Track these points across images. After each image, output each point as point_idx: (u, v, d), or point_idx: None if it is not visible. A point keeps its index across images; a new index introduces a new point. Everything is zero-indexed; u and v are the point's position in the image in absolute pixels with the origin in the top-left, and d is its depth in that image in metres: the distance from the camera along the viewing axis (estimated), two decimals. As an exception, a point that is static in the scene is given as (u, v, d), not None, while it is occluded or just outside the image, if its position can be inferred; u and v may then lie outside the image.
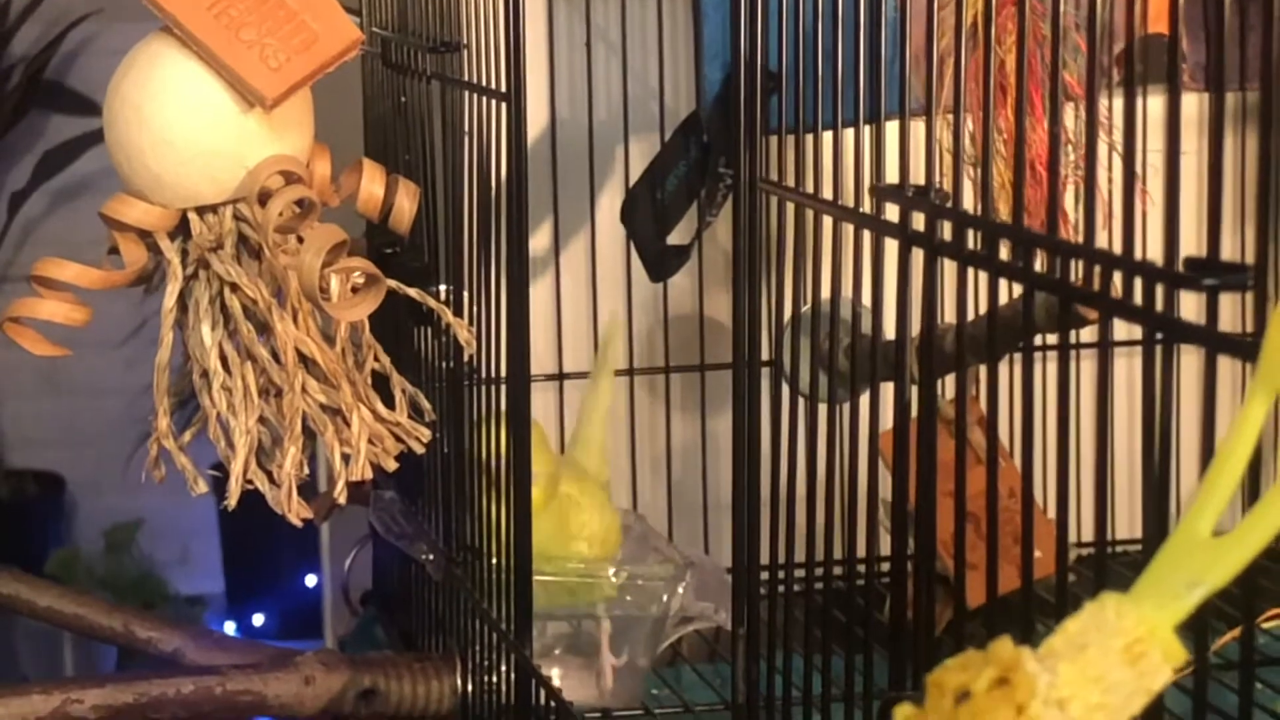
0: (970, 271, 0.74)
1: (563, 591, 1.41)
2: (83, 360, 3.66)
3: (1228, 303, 0.62)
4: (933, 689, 0.54)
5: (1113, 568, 0.69)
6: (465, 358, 1.36)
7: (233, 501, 1.25)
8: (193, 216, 1.25)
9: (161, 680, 1.30)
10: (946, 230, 0.76)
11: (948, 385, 1.19)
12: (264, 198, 1.22)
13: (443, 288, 1.42)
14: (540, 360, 1.63)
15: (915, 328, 0.81)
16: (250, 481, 1.25)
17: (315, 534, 3.04)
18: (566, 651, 1.44)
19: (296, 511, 1.25)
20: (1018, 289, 0.72)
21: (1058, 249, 0.67)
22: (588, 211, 1.62)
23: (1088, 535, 0.73)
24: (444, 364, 1.42)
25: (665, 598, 1.41)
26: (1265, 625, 1.49)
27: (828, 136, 0.90)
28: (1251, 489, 0.58)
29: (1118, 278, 0.64)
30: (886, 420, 0.90)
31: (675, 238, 1.51)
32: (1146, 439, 0.64)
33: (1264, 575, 1.46)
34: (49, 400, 3.72)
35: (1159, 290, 0.62)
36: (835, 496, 0.95)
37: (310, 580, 3.57)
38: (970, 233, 0.73)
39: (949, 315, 0.80)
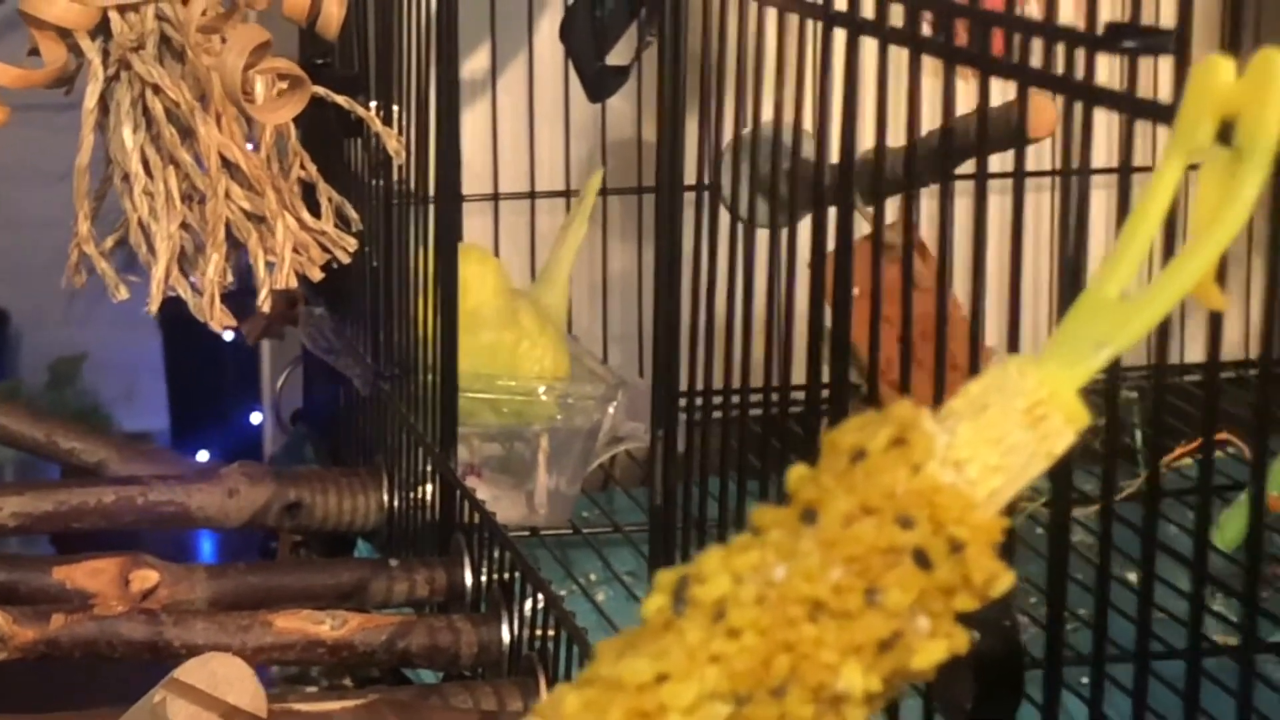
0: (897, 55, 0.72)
1: (493, 409, 1.39)
2: (28, 192, 3.63)
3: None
4: (828, 448, 0.52)
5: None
6: (395, 172, 1.34)
7: (153, 306, 1.23)
8: (114, 15, 1.22)
9: (82, 489, 1.28)
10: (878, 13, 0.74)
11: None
12: (187, -3, 1.19)
13: (375, 103, 1.40)
14: (478, 181, 1.61)
15: (836, 119, 0.79)
16: (172, 288, 1.23)
17: (259, 369, 3.02)
18: (498, 471, 1.43)
19: (219, 319, 1.23)
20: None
21: (977, 17, 0.65)
22: (525, 30, 1.59)
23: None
24: (375, 179, 1.40)
25: (596, 416, 1.40)
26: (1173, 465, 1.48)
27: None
28: (1166, 253, 0.56)
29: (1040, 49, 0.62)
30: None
31: (615, 58, 1.48)
32: (1063, 213, 0.63)
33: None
34: (-7, 232, 3.69)
35: (1080, 56, 0.60)
36: (773, 322, 0.94)
37: (256, 418, 3.55)
38: (894, 9, 0.71)
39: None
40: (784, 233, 0.97)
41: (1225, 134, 0.54)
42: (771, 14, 0.82)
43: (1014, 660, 0.63)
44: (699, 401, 1.02)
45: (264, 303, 1.24)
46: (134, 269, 1.27)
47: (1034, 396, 0.52)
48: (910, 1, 0.70)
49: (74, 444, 1.36)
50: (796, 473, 0.52)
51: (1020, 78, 0.64)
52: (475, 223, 1.61)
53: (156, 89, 1.21)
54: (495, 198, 1.60)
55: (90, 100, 1.22)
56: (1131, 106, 0.58)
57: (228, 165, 1.22)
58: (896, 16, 0.71)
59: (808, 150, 0.95)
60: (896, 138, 0.77)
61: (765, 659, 0.50)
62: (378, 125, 1.29)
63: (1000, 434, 0.52)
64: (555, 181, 1.61)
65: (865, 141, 0.81)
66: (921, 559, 0.51)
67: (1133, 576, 1.30)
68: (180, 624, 1.10)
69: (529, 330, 1.39)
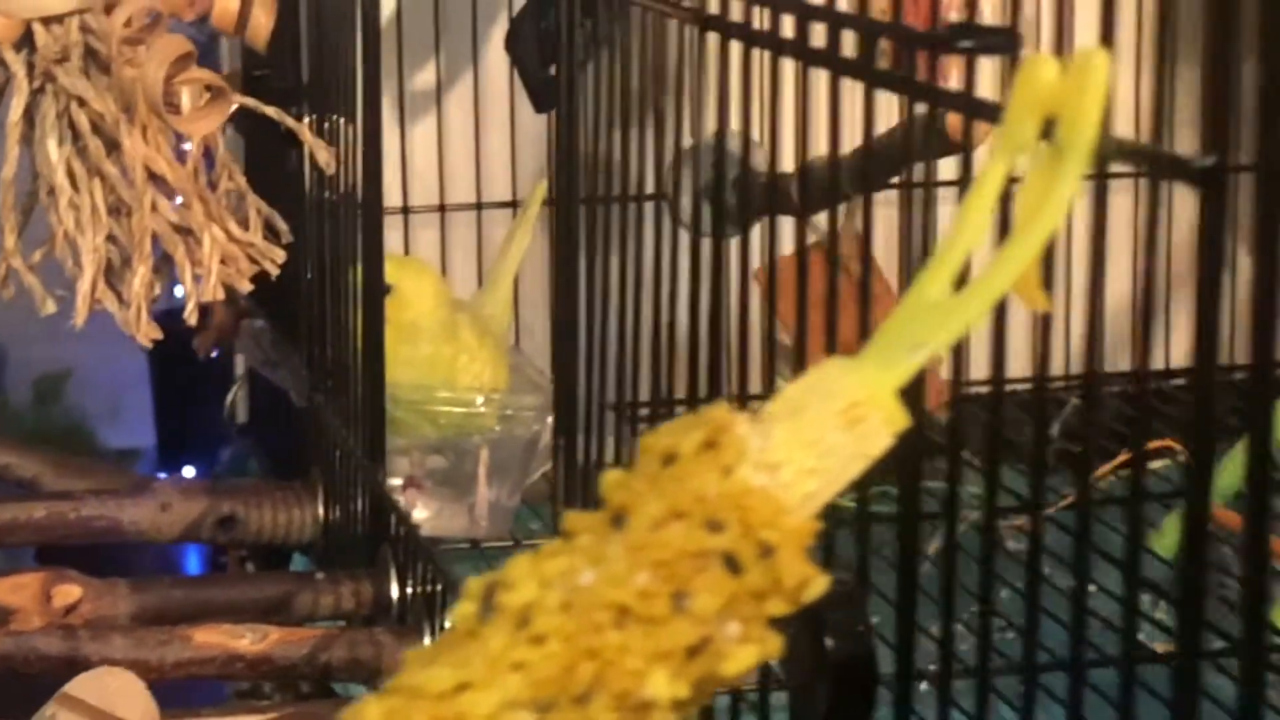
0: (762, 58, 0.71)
1: (431, 422, 1.38)
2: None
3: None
4: (642, 452, 0.52)
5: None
6: (327, 182, 1.33)
7: (79, 320, 1.22)
8: (38, 27, 1.21)
9: (13, 504, 1.28)
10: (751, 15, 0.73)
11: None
12: (110, 8, 1.19)
13: (313, 116, 1.39)
14: (427, 193, 1.60)
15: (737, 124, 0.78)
16: (99, 300, 1.22)
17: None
18: (440, 484, 1.42)
19: (145, 333, 1.22)
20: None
21: (830, 19, 0.64)
22: (470, 40, 1.58)
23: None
24: (313, 190, 1.39)
25: (535, 428, 1.39)
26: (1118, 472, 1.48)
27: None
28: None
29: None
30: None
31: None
32: (904, 223, 0.62)
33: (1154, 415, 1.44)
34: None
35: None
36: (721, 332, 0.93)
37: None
38: (758, 12, 0.70)
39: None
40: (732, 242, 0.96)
41: (1051, 131, 0.53)
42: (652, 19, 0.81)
43: (867, 666, 0.62)
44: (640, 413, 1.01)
45: (190, 315, 1.23)
46: (63, 282, 1.26)
47: (850, 398, 0.52)
48: (769, 4, 0.69)
49: (8, 459, 1.36)
50: (609, 477, 0.52)
51: (866, 79, 0.63)
52: (424, 235, 1.60)
53: (81, 101, 1.21)
54: (442, 209, 1.59)
55: (14, 113, 1.22)
56: (968, 106, 0.57)
57: (154, 177, 1.21)
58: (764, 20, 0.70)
59: (757, 160, 0.94)
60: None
61: (569, 666, 0.49)
62: (307, 137, 1.28)
63: (816, 436, 0.51)
64: (503, 192, 1.60)
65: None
66: (731, 563, 0.50)
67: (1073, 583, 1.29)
68: (98, 639, 1.09)
69: (467, 343, 1.39)
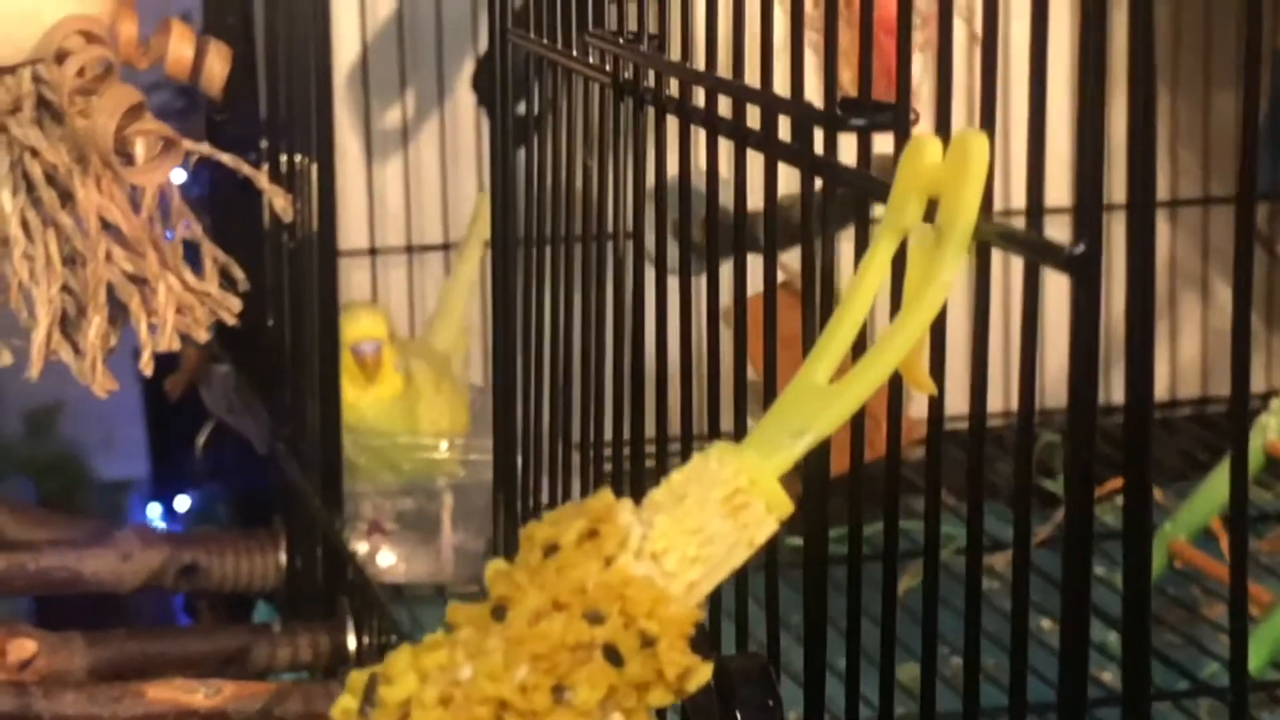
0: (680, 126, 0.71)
1: (393, 468, 1.38)
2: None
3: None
4: (524, 542, 0.51)
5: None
6: (287, 228, 1.33)
7: (34, 372, 1.22)
8: (-10, 79, 1.21)
9: (-28, 556, 1.27)
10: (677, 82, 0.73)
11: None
12: (62, 58, 1.19)
13: (284, 157, 1.39)
14: (397, 232, 1.60)
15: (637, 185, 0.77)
16: (54, 351, 1.22)
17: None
18: (406, 528, 1.42)
19: (101, 384, 1.22)
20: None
21: (733, 92, 0.64)
22: (436, 79, 1.58)
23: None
24: (274, 233, 1.39)
25: (500, 473, 1.39)
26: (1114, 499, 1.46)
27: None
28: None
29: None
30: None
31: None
32: (807, 289, 0.62)
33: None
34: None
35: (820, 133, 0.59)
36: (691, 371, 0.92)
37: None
38: (674, 82, 0.70)
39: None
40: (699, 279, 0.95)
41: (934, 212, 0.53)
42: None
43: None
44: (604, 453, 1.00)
45: (145, 366, 1.23)
46: (20, 331, 1.26)
47: (732, 485, 0.51)
48: (673, 73, 0.69)
49: (-31, 509, 1.35)
50: (492, 567, 0.51)
51: (768, 152, 0.63)
52: (394, 275, 1.60)
53: (34, 152, 1.20)
54: (409, 249, 1.59)
55: (-32, 166, 1.21)
56: (861, 183, 0.57)
57: (108, 227, 1.21)
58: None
59: (725, 198, 0.93)
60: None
61: (446, 763, 0.49)
62: (264, 184, 1.27)
63: (699, 524, 0.51)
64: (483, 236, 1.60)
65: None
66: (612, 655, 0.50)
67: (1045, 623, 1.28)
68: (50, 696, 1.09)
69: (423, 390, 1.38)
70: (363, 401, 1.33)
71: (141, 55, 1.25)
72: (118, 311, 1.24)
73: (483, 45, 1.51)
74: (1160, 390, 1.63)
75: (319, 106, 1.25)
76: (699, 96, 0.69)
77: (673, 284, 0.89)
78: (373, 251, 1.57)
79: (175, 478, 3.83)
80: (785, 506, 0.51)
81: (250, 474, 1.50)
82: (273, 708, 1.11)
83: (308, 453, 1.30)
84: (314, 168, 1.31)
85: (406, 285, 1.59)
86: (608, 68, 0.76)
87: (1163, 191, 1.62)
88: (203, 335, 1.25)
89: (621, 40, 0.74)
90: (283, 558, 1.33)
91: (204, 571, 1.31)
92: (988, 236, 0.51)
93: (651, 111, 0.72)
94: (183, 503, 3.85)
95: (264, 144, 1.41)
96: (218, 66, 1.26)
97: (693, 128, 0.70)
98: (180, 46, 1.25)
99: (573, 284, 0.87)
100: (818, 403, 0.51)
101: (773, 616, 0.65)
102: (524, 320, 0.92)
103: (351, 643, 1.18)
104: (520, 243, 0.93)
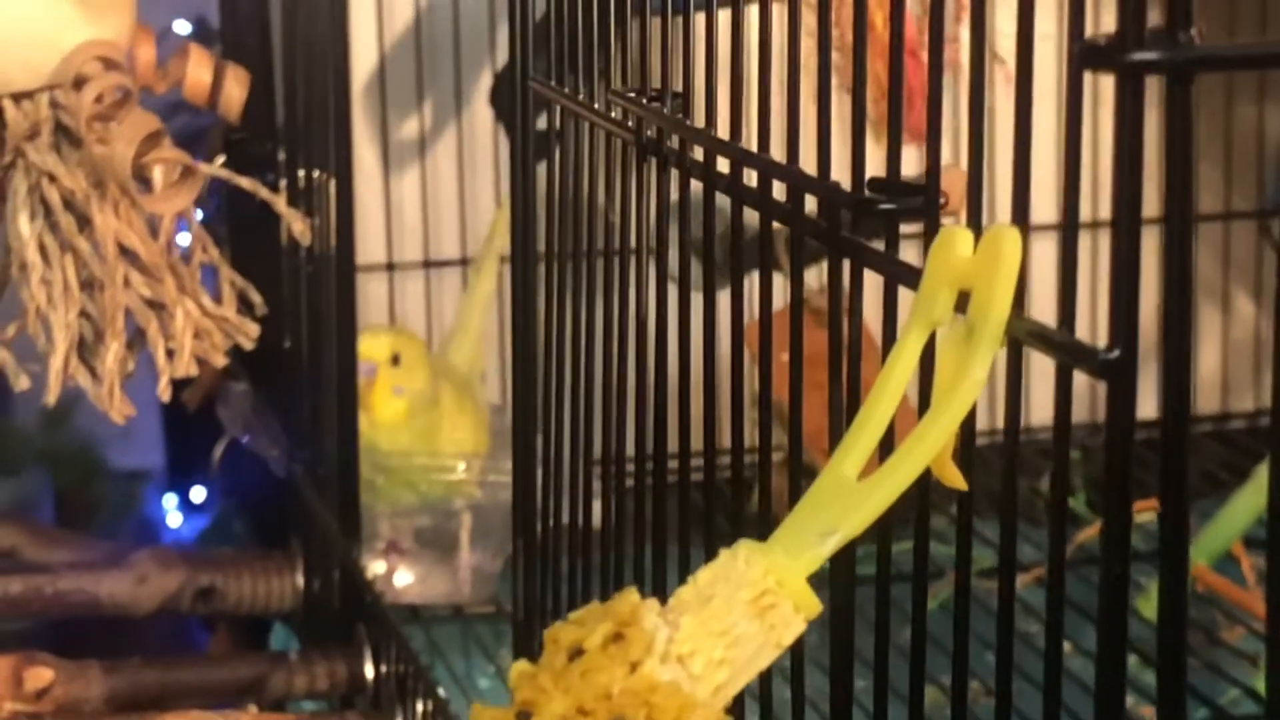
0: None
1: (412, 488, 1.38)
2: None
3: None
4: (549, 644, 0.51)
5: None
6: (303, 248, 1.33)
7: (51, 398, 1.22)
8: (7, 103, 1.20)
9: (-12, 580, 1.27)
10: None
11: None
12: (80, 83, 1.18)
13: (301, 173, 1.38)
14: (414, 247, 1.59)
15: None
16: (72, 376, 1.22)
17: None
18: (424, 546, 1.41)
19: (119, 410, 1.22)
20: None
21: (759, 166, 0.63)
22: (454, 93, 1.57)
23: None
24: (291, 254, 1.38)
25: (518, 493, 1.38)
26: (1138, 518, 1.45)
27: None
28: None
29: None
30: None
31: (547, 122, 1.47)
32: (834, 374, 0.61)
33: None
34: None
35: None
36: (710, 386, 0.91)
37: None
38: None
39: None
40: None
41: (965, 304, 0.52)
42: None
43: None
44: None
45: (164, 391, 1.22)
46: (37, 357, 1.26)
47: (760, 586, 0.51)
48: (698, 140, 0.68)
49: (-14, 530, 1.35)
50: (516, 670, 0.51)
51: (794, 227, 0.62)
52: (412, 288, 1.59)
53: (52, 177, 1.20)
54: (426, 264, 1.58)
55: (-15, 190, 1.21)
56: (890, 268, 0.56)
57: (126, 252, 1.21)
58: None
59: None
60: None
61: None
62: (281, 207, 1.27)
63: (726, 625, 0.50)
64: (500, 249, 1.59)
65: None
66: (638, 761, 0.49)
67: (1066, 646, 1.27)
68: (66, 727, 1.09)
69: (448, 410, 1.38)
70: (381, 421, 1.33)
71: (159, 80, 1.24)
72: (135, 336, 1.24)
73: (501, 58, 1.51)
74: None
75: (337, 122, 1.24)
76: (724, 162, 0.68)
77: (695, 301, 0.88)
78: (390, 267, 1.56)
79: (191, 469, 3.83)
80: (814, 607, 0.51)
81: (266, 492, 1.49)
82: (290, 740, 1.11)
83: (325, 477, 1.29)
84: (332, 183, 1.30)
85: (424, 301, 1.58)
86: (630, 123, 0.76)
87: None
88: (220, 360, 1.25)
89: (645, 100, 0.73)
90: (300, 580, 1.32)
91: (221, 594, 1.31)
92: (1020, 334, 0.50)
93: (675, 174, 0.71)
94: (198, 494, 3.86)
95: (281, 157, 1.40)
96: (236, 91, 1.26)
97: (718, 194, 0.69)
98: (198, 71, 1.25)
99: (594, 299, 0.86)
100: (847, 501, 0.51)
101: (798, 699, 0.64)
102: (544, 336, 0.91)
103: (369, 671, 1.18)
104: (540, 258, 0.92)
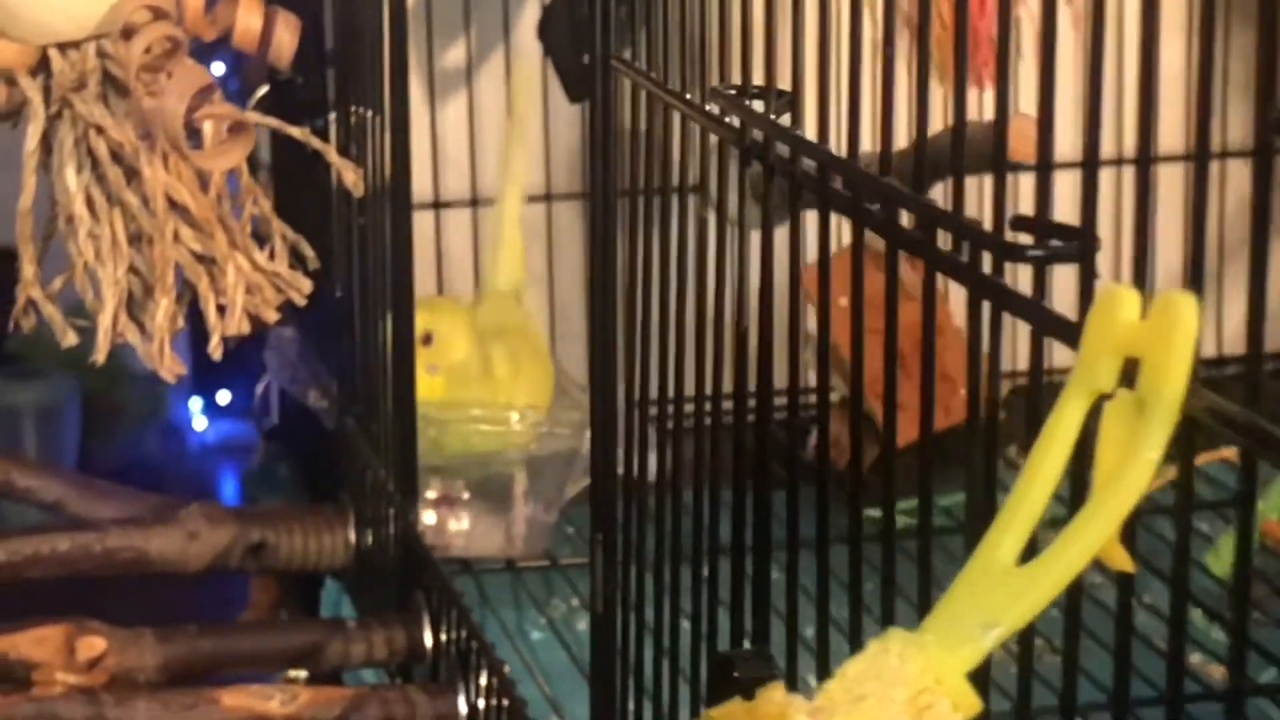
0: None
1: (466, 441, 1.34)
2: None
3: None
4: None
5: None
6: (357, 197, 1.29)
7: (101, 356, 1.19)
8: (54, 53, 1.16)
9: (37, 537, 1.24)
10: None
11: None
12: (129, 34, 1.14)
13: (353, 110, 1.34)
14: (459, 183, 1.55)
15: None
16: (120, 334, 1.18)
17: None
18: (476, 498, 1.38)
19: (170, 368, 1.19)
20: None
21: (885, 193, 0.60)
22: (502, 28, 1.53)
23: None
24: (342, 200, 1.35)
25: (573, 444, 1.35)
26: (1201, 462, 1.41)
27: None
28: (1073, 505, 0.50)
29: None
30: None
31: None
32: (972, 414, 0.57)
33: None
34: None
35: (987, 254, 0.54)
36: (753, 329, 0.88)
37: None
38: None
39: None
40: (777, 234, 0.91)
41: (1131, 373, 0.48)
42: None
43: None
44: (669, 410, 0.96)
45: (214, 349, 1.19)
46: (83, 311, 1.22)
47: (917, 685, 0.47)
48: (821, 158, 0.65)
49: (29, 483, 1.32)
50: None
51: (928, 260, 0.58)
52: (452, 226, 1.55)
53: (100, 129, 1.16)
54: (474, 203, 1.54)
55: (31, 141, 1.17)
56: (1039, 318, 0.52)
57: (175, 206, 1.17)
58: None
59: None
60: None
61: None
62: (333, 157, 1.23)
63: (879, 725, 0.47)
64: (537, 185, 1.55)
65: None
66: None
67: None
68: (122, 704, 1.06)
69: (502, 381, 1.34)
70: (450, 397, 1.29)
71: (208, 26, 1.20)
72: (185, 291, 1.21)
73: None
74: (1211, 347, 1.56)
75: (393, 60, 1.20)
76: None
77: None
78: (437, 204, 1.53)
79: (217, 373, 3.80)
80: (974, 706, 0.48)
81: (314, 440, 1.46)
82: (350, 714, 1.08)
83: (379, 433, 1.26)
84: (383, 123, 1.26)
85: (471, 237, 1.54)
86: (729, 121, 0.72)
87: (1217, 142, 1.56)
88: (272, 316, 1.21)
89: (748, 100, 0.69)
90: (351, 536, 1.29)
91: (272, 549, 1.28)
92: (1197, 412, 0.47)
93: (786, 184, 0.67)
94: (223, 397, 3.84)
95: (331, 96, 1.36)
96: (286, 37, 1.22)
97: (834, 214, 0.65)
98: (248, 17, 1.20)
99: (666, 239, 0.82)
100: (1008, 589, 0.47)
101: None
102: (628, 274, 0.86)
103: (428, 639, 1.15)
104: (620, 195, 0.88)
